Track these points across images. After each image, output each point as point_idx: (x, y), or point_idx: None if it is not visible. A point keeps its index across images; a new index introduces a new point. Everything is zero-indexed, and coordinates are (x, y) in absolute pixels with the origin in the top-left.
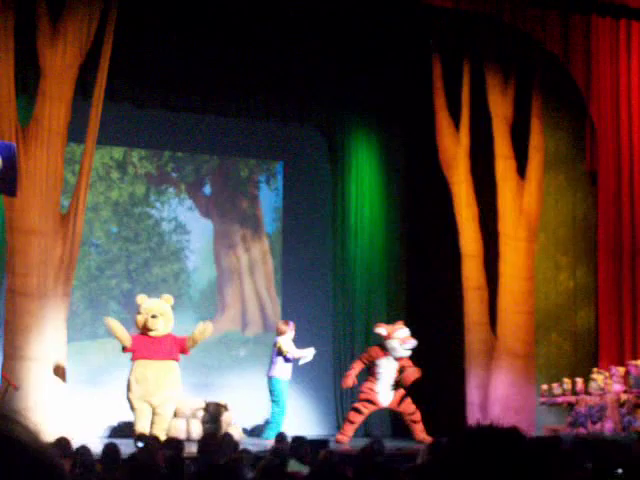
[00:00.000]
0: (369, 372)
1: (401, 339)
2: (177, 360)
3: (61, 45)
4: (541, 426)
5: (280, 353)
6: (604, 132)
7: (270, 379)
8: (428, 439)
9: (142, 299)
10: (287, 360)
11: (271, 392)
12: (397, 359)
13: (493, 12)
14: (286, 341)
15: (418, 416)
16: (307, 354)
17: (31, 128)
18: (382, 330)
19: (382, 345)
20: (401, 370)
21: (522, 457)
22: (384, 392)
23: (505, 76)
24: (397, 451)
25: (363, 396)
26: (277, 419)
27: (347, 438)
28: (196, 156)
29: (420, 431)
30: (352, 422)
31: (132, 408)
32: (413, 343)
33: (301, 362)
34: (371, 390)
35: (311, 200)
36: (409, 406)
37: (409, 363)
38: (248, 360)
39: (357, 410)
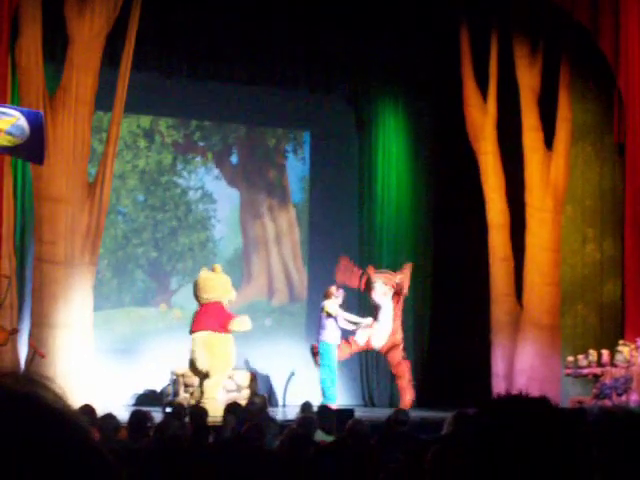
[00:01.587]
0: None
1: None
2: None
3: (89, 14)
4: (566, 397)
5: (329, 316)
6: (632, 104)
7: (320, 344)
8: (407, 402)
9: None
10: (323, 327)
11: (321, 356)
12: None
13: None
14: (332, 304)
15: (402, 371)
16: (362, 321)
17: (59, 97)
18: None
19: None
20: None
21: (552, 426)
22: (379, 332)
23: (533, 47)
24: (422, 421)
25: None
26: (327, 386)
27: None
28: (223, 125)
29: (402, 387)
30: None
31: (212, 380)
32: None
33: (357, 327)
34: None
35: (338, 170)
36: (397, 356)
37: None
38: (274, 329)
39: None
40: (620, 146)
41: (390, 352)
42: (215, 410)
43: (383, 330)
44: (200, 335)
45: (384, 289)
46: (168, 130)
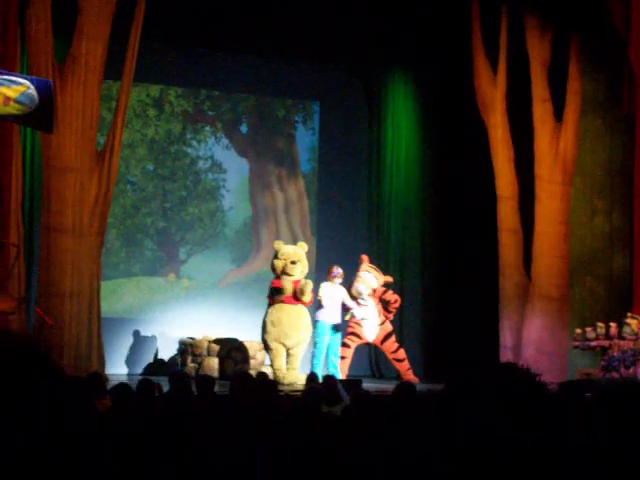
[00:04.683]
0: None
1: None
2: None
3: None
4: (574, 369)
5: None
6: None
7: (315, 322)
8: (414, 379)
9: (280, 245)
10: (320, 307)
11: (316, 333)
12: (371, 295)
13: None
14: (325, 289)
15: (401, 354)
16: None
17: (68, 65)
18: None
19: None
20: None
21: (516, 392)
22: (369, 327)
23: (543, 19)
24: (428, 392)
25: (349, 330)
26: (315, 364)
27: (343, 375)
28: (233, 95)
29: (405, 370)
30: (343, 357)
31: (268, 348)
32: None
33: (347, 317)
34: (357, 324)
35: (347, 141)
36: (392, 345)
37: (381, 292)
38: None
39: (345, 344)
40: (630, 118)
41: (385, 342)
42: (296, 379)
43: (371, 322)
44: (272, 307)
45: (373, 282)
46: (177, 99)
